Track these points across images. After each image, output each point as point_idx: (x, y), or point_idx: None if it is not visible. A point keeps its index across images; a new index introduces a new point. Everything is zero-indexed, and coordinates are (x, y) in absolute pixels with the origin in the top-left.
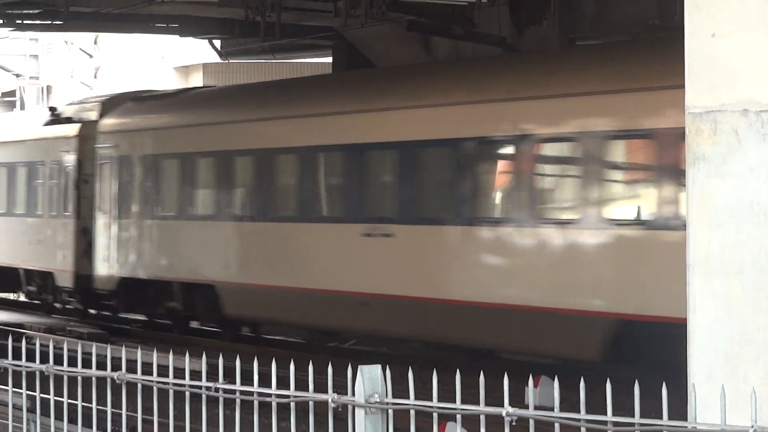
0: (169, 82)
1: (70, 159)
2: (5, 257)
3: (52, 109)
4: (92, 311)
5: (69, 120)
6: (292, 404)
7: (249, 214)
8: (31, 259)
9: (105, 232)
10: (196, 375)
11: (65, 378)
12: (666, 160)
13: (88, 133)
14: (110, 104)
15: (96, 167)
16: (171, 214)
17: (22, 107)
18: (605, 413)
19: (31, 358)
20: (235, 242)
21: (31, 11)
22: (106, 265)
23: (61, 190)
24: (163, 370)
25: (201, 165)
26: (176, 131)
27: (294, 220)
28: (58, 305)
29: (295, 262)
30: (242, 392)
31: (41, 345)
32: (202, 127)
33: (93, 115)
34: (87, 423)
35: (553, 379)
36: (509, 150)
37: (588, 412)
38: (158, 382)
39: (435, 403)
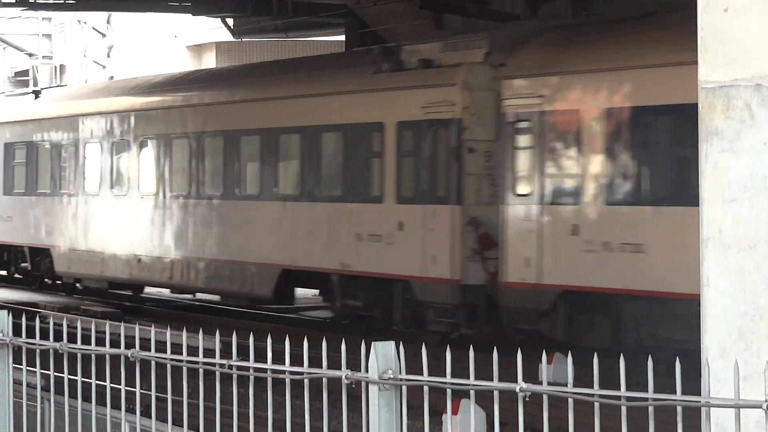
0: (182, 61)
1: None
2: None
3: None
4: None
5: None
6: (306, 381)
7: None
8: None
9: None
10: (209, 353)
11: (79, 356)
12: None
13: None
14: None
15: None
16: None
17: (36, 86)
18: (618, 389)
19: (45, 336)
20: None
21: None
22: None
23: None
24: (176, 348)
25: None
26: None
27: None
28: None
29: None
30: (256, 369)
31: (55, 324)
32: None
33: None
34: (101, 401)
35: (567, 356)
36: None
37: (601, 388)
38: (172, 360)
39: (448, 379)
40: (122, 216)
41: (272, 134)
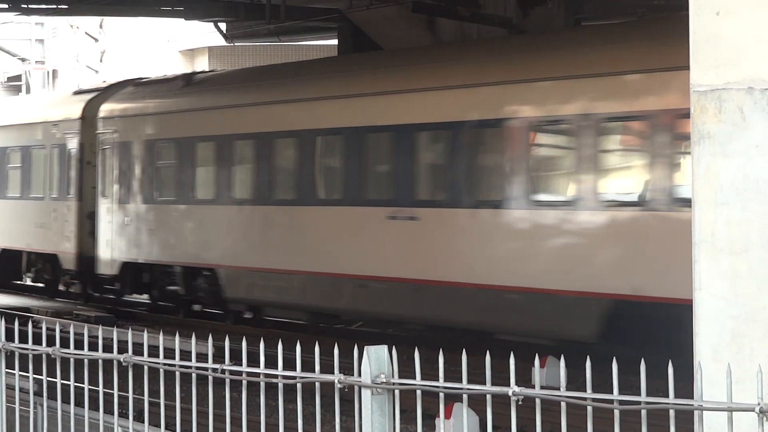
0: (175, 65)
1: None
2: None
3: None
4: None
5: None
6: (299, 385)
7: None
8: None
9: None
10: (202, 357)
11: (72, 361)
12: None
13: None
14: None
15: None
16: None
17: (28, 92)
18: (611, 392)
19: (37, 341)
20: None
21: None
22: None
23: None
24: (169, 353)
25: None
26: None
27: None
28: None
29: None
30: (249, 374)
31: (48, 329)
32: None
33: None
34: (94, 406)
35: (559, 360)
36: None
37: (594, 391)
38: (165, 365)
39: (441, 383)
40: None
41: None
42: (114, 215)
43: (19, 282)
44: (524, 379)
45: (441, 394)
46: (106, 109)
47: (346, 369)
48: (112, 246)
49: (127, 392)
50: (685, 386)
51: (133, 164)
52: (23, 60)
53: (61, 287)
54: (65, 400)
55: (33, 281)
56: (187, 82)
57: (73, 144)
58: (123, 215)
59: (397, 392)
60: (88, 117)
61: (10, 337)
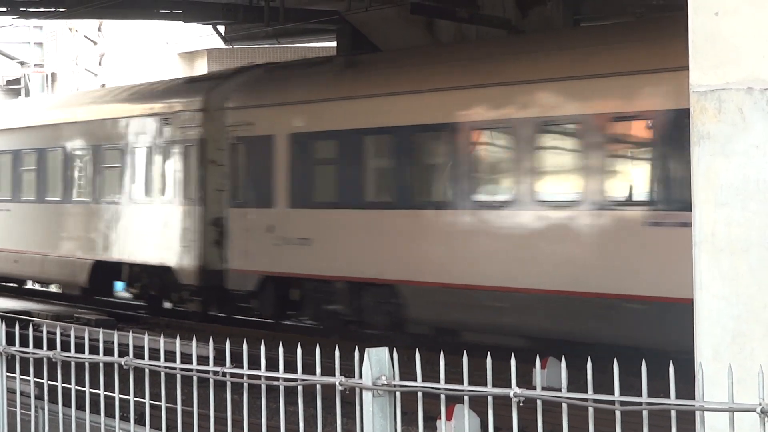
0: (174, 68)
1: None
2: None
3: None
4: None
5: None
6: (300, 388)
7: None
8: None
9: None
10: (203, 360)
11: (73, 364)
12: None
13: None
14: None
15: None
16: None
17: (27, 95)
18: (612, 393)
19: (38, 345)
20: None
21: None
22: None
23: None
24: (170, 356)
25: None
26: None
27: None
28: None
29: None
30: (250, 376)
31: (48, 332)
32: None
33: None
34: (95, 409)
35: (561, 361)
36: None
37: (595, 392)
38: (166, 367)
39: (442, 384)
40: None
41: None
42: (251, 221)
43: (102, 297)
44: (525, 381)
45: (442, 396)
46: (236, 98)
47: (347, 371)
48: (248, 257)
49: (128, 395)
50: (686, 387)
51: (277, 162)
52: (22, 63)
53: (167, 305)
54: (66, 403)
55: (134, 296)
56: (350, 63)
57: (191, 140)
58: (266, 221)
59: (398, 394)
60: (212, 108)
61: (10, 340)
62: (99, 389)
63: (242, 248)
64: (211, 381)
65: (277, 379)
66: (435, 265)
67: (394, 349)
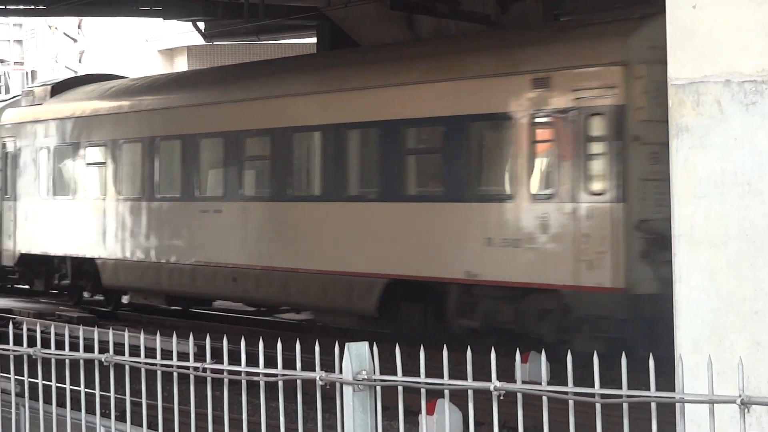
0: (154, 65)
1: None
2: None
3: None
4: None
5: None
6: (280, 383)
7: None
8: None
9: None
10: (183, 356)
11: (53, 361)
12: None
13: None
14: None
15: None
16: None
17: (7, 93)
18: (592, 387)
19: (18, 342)
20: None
21: None
22: None
23: None
24: (150, 352)
25: None
26: None
27: None
28: None
29: None
30: (230, 372)
31: (29, 329)
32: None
33: None
34: (76, 406)
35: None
36: None
37: (575, 385)
38: (146, 364)
39: (423, 379)
40: None
41: None
42: None
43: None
44: (507, 375)
45: (422, 390)
46: None
47: (328, 366)
48: None
49: (109, 392)
50: (667, 379)
51: None
52: (2, 61)
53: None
54: (47, 400)
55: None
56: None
57: (592, 110)
58: None
59: (378, 389)
60: (632, 62)
61: None
62: (80, 386)
63: None
64: (192, 377)
65: (257, 374)
66: None
67: (375, 344)
